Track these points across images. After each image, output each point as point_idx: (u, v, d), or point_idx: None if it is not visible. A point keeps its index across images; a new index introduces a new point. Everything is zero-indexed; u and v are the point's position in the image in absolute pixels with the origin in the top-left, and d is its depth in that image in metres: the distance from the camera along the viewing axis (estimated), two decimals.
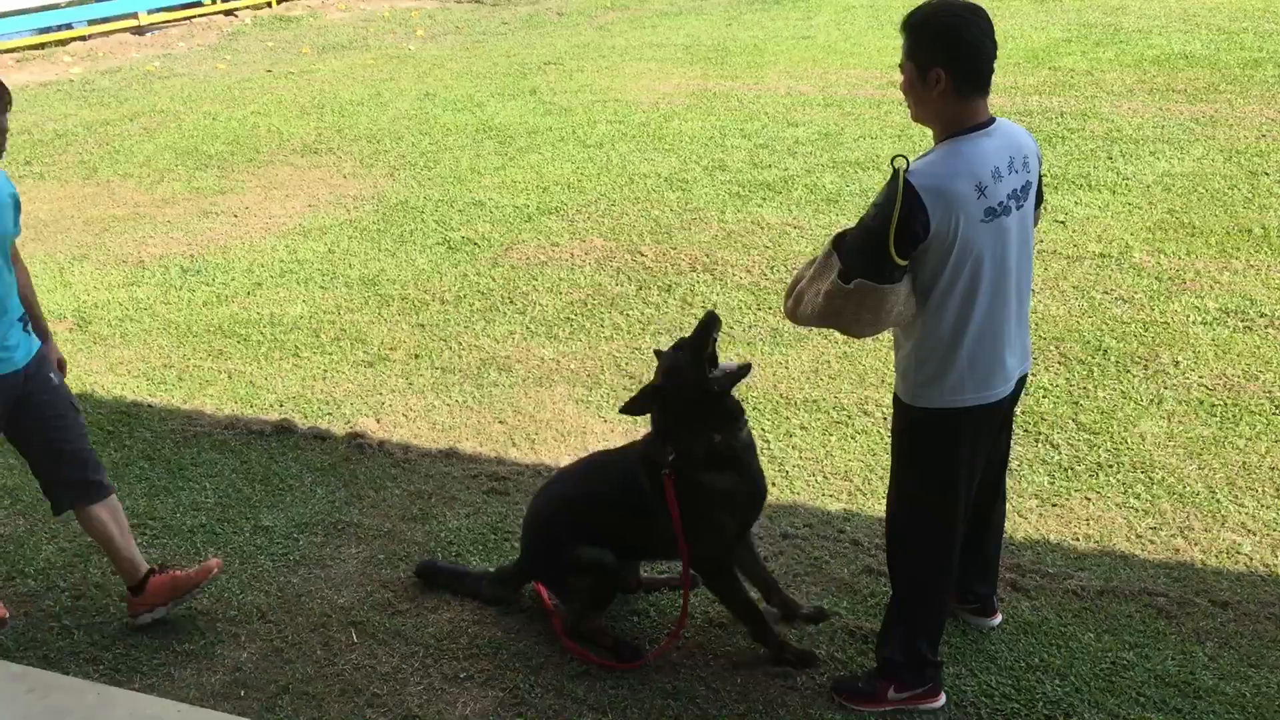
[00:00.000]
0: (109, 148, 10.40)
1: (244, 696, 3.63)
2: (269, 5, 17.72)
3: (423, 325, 6.37)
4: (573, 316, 6.33)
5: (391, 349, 6.11)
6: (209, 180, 9.27)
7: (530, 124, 10.24)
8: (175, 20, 16.62)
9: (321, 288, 6.95)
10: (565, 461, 4.91)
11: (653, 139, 9.26)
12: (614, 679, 3.61)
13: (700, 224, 7.50)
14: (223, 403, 5.64)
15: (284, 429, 5.32)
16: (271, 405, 5.59)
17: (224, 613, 4.05)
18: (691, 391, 3.51)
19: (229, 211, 8.48)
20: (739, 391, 3.65)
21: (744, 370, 3.56)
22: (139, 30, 16.03)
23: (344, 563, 4.31)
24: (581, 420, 5.24)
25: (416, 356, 6.00)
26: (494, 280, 6.89)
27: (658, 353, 3.69)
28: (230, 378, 5.90)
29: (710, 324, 3.52)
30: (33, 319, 3.84)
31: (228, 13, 17.15)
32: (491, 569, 4.12)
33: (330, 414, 5.47)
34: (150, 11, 16.28)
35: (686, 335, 3.61)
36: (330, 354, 6.09)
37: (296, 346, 6.20)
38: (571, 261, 7.07)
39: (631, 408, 3.58)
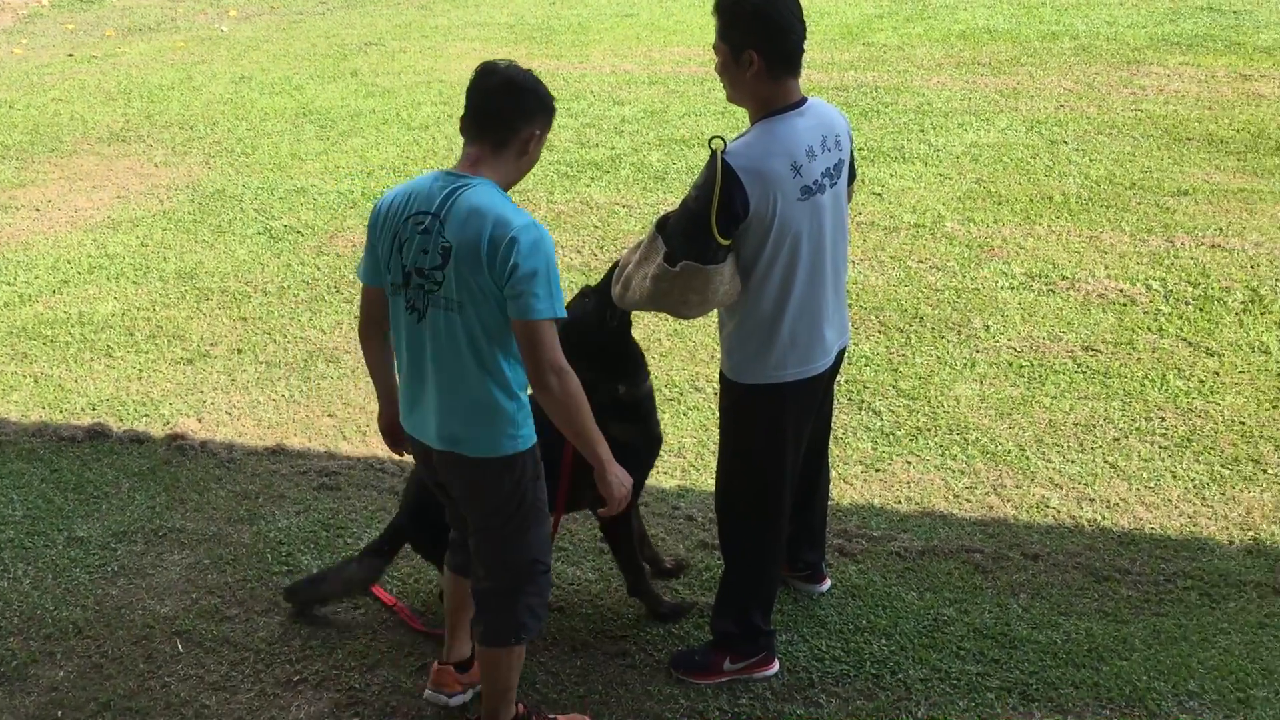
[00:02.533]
0: None
1: (61, 717, 3.46)
2: None
3: (245, 318, 6.16)
4: None
5: (212, 345, 5.89)
6: (7, 173, 8.73)
7: (352, 107, 9.99)
8: None
9: (134, 283, 6.65)
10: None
11: None
12: None
13: (529, 205, 7.46)
14: (29, 409, 5.35)
15: (97, 433, 5.08)
16: (83, 409, 5.33)
17: (37, 631, 3.85)
18: (597, 334, 3.46)
19: (30, 205, 8.01)
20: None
21: None
22: None
23: (166, 570, 4.14)
24: None
25: (239, 351, 5.81)
26: (319, 269, 6.71)
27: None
28: (36, 382, 5.60)
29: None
30: None
31: None
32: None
33: (148, 415, 5.25)
34: None
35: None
36: (146, 352, 5.84)
37: (109, 346, 5.92)
38: None
39: None
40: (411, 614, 3.82)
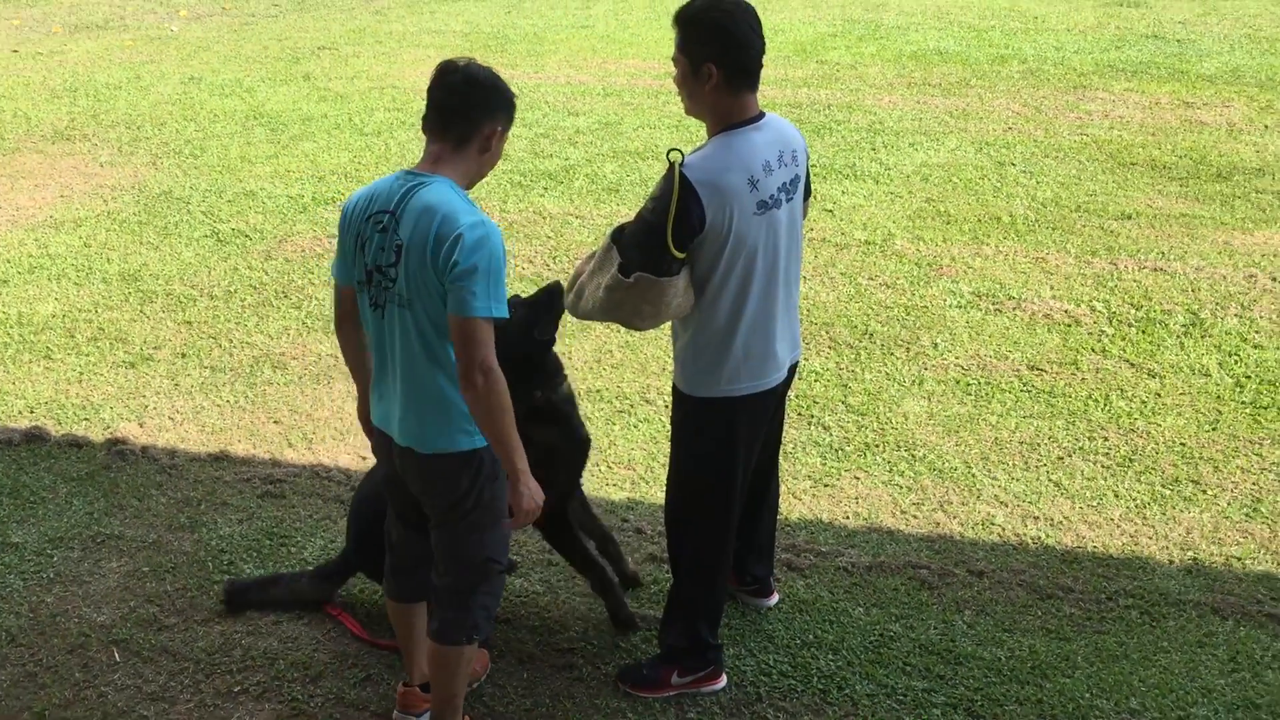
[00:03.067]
0: None
1: None
2: None
3: (190, 322, 6.06)
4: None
5: (155, 348, 5.79)
6: None
7: (304, 111, 9.89)
8: None
9: (76, 284, 6.52)
10: (344, 461, 4.79)
11: None
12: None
13: None
14: None
15: (35, 437, 4.96)
16: (20, 412, 5.21)
17: None
18: (517, 345, 3.39)
19: None
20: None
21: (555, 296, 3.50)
22: None
23: (104, 578, 4.06)
24: None
25: (183, 356, 5.71)
26: (267, 274, 6.62)
27: None
28: None
29: (554, 294, 3.46)
30: None
31: None
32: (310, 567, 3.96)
33: (88, 419, 5.14)
34: None
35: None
36: (87, 355, 5.72)
37: (48, 348, 5.79)
38: None
39: None
40: (356, 624, 3.76)
